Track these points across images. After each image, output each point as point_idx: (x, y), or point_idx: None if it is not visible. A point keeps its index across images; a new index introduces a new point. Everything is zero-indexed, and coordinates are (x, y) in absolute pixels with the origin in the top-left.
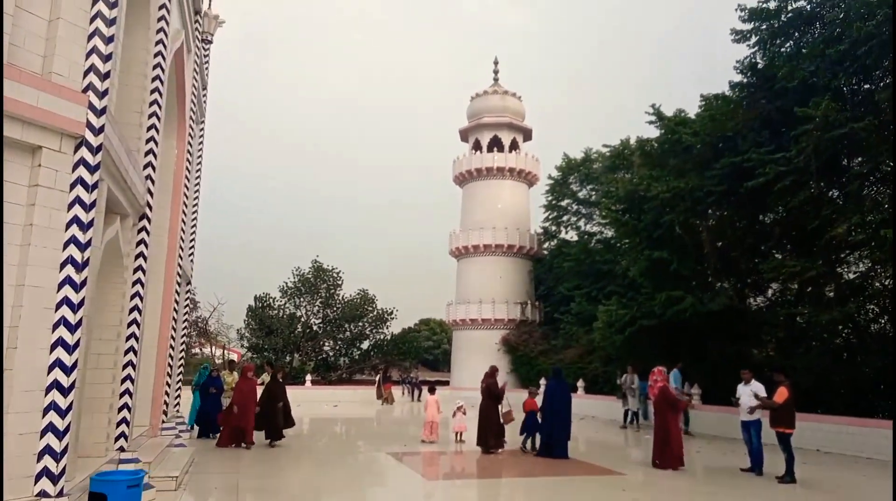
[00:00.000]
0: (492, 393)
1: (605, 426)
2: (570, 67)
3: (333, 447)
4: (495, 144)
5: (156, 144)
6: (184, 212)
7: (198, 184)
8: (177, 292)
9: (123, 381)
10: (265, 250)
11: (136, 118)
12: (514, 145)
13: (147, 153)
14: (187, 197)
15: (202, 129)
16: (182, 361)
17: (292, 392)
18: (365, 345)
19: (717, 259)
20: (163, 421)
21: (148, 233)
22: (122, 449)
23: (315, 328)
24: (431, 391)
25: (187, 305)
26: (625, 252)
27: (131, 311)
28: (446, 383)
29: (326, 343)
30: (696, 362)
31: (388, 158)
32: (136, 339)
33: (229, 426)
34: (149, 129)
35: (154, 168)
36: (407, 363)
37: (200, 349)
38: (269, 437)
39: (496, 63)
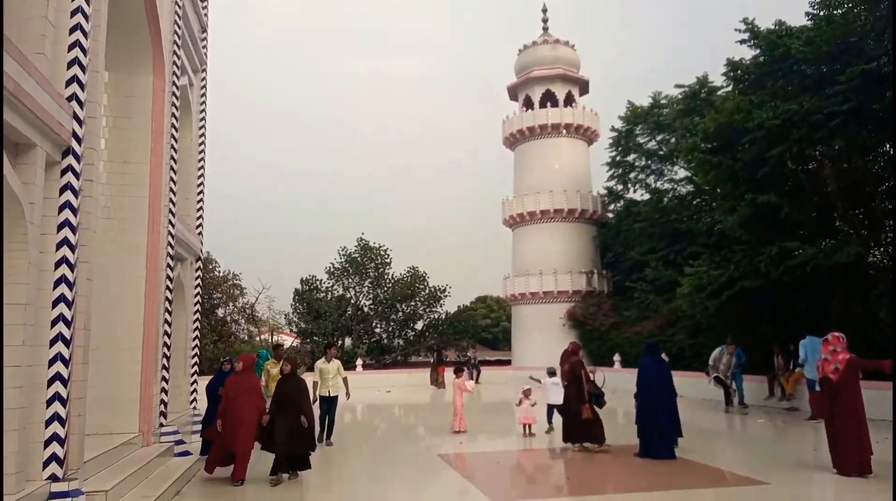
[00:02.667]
0: (576, 375)
1: (700, 409)
2: (628, 5)
3: (373, 448)
4: (548, 100)
5: (83, 52)
6: (173, 170)
7: (202, 143)
8: (169, 267)
9: (51, 382)
10: (310, 232)
11: (39, 7)
12: (569, 100)
13: (72, 64)
14: (176, 150)
15: (204, 79)
16: (196, 350)
17: None
18: (419, 326)
19: (843, 198)
20: (161, 425)
21: (78, 177)
22: (54, 478)
23: (366, 309)
24: (456, 372)
25: (198, 285)
26: (712, 205)
27: (57, 284)
28: (508, 362)
29: (378, 325)
30: (809, 327)
31: (428, 128)
32: (67, 324)
33: (217, 446)
34: (72, 30)
35: (82, 86)
36: (464, 342)
37: (252, 337)
38: (274, 469)
39: (545, 11)
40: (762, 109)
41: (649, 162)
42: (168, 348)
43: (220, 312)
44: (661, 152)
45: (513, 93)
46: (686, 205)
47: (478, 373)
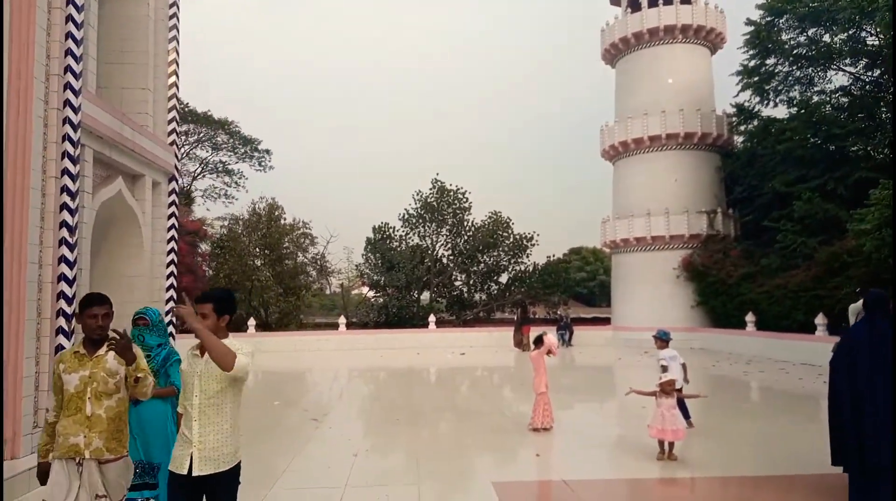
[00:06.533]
0: None
1: None
2: None
3: (398, 455)
4: None
5: None
6: (74, 23)
7: (173, 16)
8: (69, 174)
9: None
10: (384, 175)
11: None
12: None
13: None
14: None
15: None
16: (170, 305)
17: (413, 337)
18: (503, 278)
19: None
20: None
21: None
22: None
23: (444, 260)
24: (538, 342)
25: (172, 215)
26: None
27: None
28: (606, 320)
29: (458, 278)
30: None
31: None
32: None
33: None
34: None
35: None
36: (555, 297)
37: (323, 289)
38: None
39: None
40: None
41: (794, 67)
42: (70, 302)
43: (289, 263)
44: (813, 53)
45: None
46: (852, 118)
47: (570, 334)
